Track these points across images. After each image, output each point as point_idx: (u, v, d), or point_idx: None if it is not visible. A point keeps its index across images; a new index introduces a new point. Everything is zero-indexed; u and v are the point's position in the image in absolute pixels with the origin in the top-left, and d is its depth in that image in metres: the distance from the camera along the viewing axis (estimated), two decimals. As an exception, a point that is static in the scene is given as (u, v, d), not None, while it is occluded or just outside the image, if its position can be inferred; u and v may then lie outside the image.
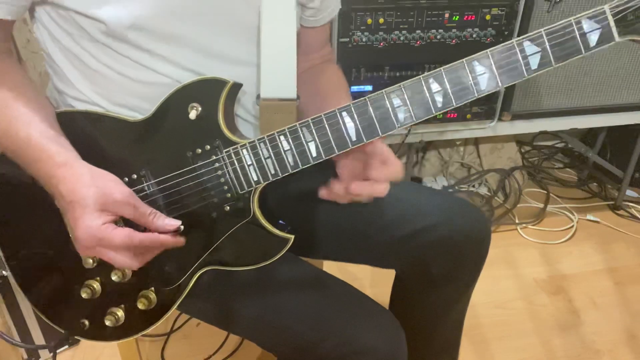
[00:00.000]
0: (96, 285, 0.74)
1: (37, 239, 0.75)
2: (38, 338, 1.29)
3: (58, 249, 0.74)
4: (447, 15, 1.35)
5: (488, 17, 1.38)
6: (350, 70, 1.38)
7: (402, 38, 1.35)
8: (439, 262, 0.88)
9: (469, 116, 1.52)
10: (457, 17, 1.36)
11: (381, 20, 1.32)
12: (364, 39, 1.33)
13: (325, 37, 0.93)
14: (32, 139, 0.65)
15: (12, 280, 0.79)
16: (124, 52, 0.69)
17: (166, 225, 0.66)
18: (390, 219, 0.87)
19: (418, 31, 1.36)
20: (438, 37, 1.37)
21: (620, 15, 0.58)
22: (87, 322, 0.75)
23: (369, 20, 1.31)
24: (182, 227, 0.67)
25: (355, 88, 1.42)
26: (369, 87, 1.42)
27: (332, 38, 1.32)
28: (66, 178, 0.63)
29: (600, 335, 1.46)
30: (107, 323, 0.73)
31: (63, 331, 0.76)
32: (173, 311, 0.76)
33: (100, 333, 0.76)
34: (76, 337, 0.76)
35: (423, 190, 0.93)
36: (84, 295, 0.73)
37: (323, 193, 0.70)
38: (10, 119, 0.66)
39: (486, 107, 1.52)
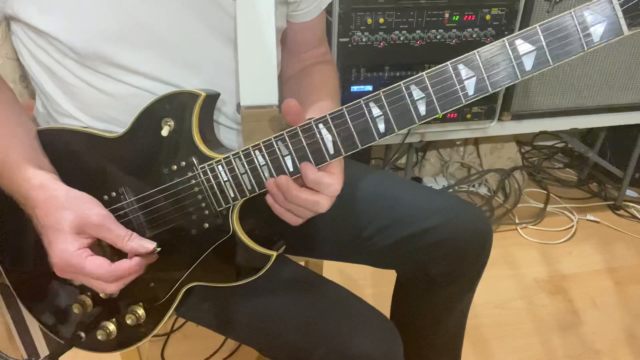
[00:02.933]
0: (87, 300, 0.73)
1: (32, 253, 0.74)
2: (40, 342, 1.29)
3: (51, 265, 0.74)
4: (447, 15, 1.35)
5: (488, 17, 1.37)
6: (350, 70, 1.38)
7: (402, 38, 1.35)
8: (441, 263, 0.87)
9: (469, 116, 1.52)
10: (457, 17, 1.36)
11: (381, 20, 1.32)
12: (364, 39, 1.33)
13: (317, 35, 0.89)
14: (8, 160, 0.64)
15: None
16: (98, 67, 0.68)
17: (141, 247, 0.64)
18: (391, 220, 0.86)
19: (418, 31, 1.36)
20: (438, 37, 1.37)
21: (629, 4, 0.50)
22: (83, 335, 0.75)
23: (369, 20, 1.31)
24: (158, 248, 0.65)
25: (355, 88, 1.42)
26: (369, 87, 1.42)
27: (332, 38, 1.32)
28: (40, 201, 0.62)
29: (600, 335, 1.46)
30: (99, 337, 0.72)
31: (62, 342, 0.76)
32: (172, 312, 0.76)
33: (95, 345, 0.75)
34: (74, 347, 0.77)
35: (424, 191, 0.93)
36: (75, 310, 0.73)
37: (267, 198, 0.66)
38: None
39: (486, 107, 1.52)
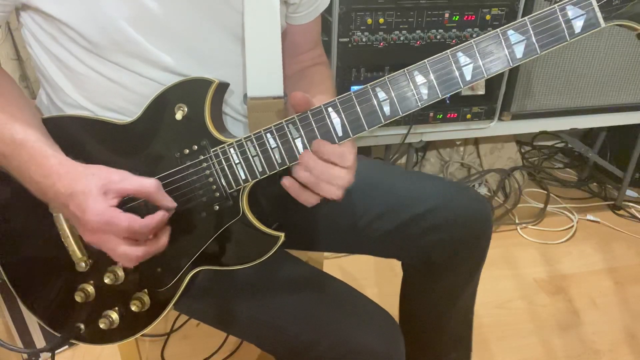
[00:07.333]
0: (90, 288, 0.74)
1: (31, 245, 0.75)
2: (39, 339, 1.29)
3: (52, 254, 0.74)
4: (447, 15, 1.35)
5: (488, 17, 1.38)
6: (350, 70, 1.38)
7: (402, 38, 1.35)
8: (441, 248, 0.87)
9: (469, 116, 1.52)
10: (457, 17, 1.36)
11: (381, 20, 1.32)
12: (364, 39, 1.33)
13: (314, 37, 0.92)
14: (28, 142, 0.65)
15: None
16: (108, 56, 0.69)
17: (166, 199, 0.67)
18: (387, 207, 0.86)
19: (418, 31, 1.36)
20: (438, 37, 1.37)
21: (604, 0, 0.58)
22: (82, 326, 0.75)
23: (369, 20, 1.31)
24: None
25: (355, 88, 1.41)
26: (369, 87, 1.42)
27: (332, 38, 1.32)
28: (62, 174, 0.63)
29: (600, 335, 1.46)
30: (102, 326, 0.73)
31: (60, 335, 0.76)
32: (172, 311, 0.76)
33: (95, 336, 0.76)
34: (73, 341, 0.76)
35: (418, 176, 0.93)
36: (78, 299, 0.73)
37: (284, 181, 0.67)
38: (5, 123, 0.66)
39: (486, 107, 1.52)
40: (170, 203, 0.67)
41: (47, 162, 0.64)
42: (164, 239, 0.67)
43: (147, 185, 0.64)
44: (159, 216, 0.64)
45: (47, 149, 0.65)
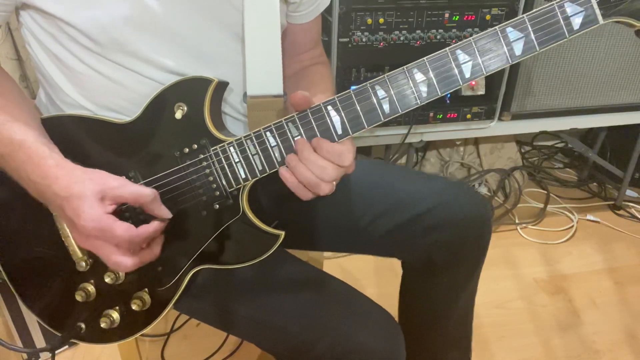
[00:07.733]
0: (90, 288, 0.74)
1: (31, 244, 0.75)
2: (38, 339, 1.29)
3: (52, 254, 0.74)
4: (447, 15, 1.35)
5: (488, 17, 1.38)
6: (350, 70, 1.38)
7: (402, 38, 1.35)
8: (442, 247, 0.87)
9: (469, 116, 1.52)
10: (457, 17, 1.36)
11: (381, 20, 1.32)
12: (364, 39, 1.33)
13: (314, 36, 0.92)
14: (26, 142, 0.65)
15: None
16: (108, 55, 0.70)
17: (162, 209, 0.66)
18: (387, 207, 0.86)
19: (418, 31, 1.36)
20: (438, 37, 1.37)
21: None
22: (83, 325, 0.75)
23: (369, 20, 1.31)
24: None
25: (354, 88, 1.41)
26: (369, 87, 1.42)
27: (332, 38, 1.32)
28: (59, 177, 0.63)
29: (600, 335, 1.46)
30: (102, 325, 0.73)
31: (61, 335, 0.76)
32: (172, 311, 0.76)
33: (96, 336, 0.76)
34: (73, 340, 0.76)
35: (419, 176, 0.93)
36: (78, 299, 0.73)
37: (281, 172, 0.67)
38: (4, 123, 0.66)
39: (486, 107, 1.52)
40: (166, 214, 0.67)
41: (44, 162, 0.64)
42: (157, 249, 0.67)
43: (144, 194, 0.64)
44: (154, 226, 0.64)
45: (44, 150, 0.65)
